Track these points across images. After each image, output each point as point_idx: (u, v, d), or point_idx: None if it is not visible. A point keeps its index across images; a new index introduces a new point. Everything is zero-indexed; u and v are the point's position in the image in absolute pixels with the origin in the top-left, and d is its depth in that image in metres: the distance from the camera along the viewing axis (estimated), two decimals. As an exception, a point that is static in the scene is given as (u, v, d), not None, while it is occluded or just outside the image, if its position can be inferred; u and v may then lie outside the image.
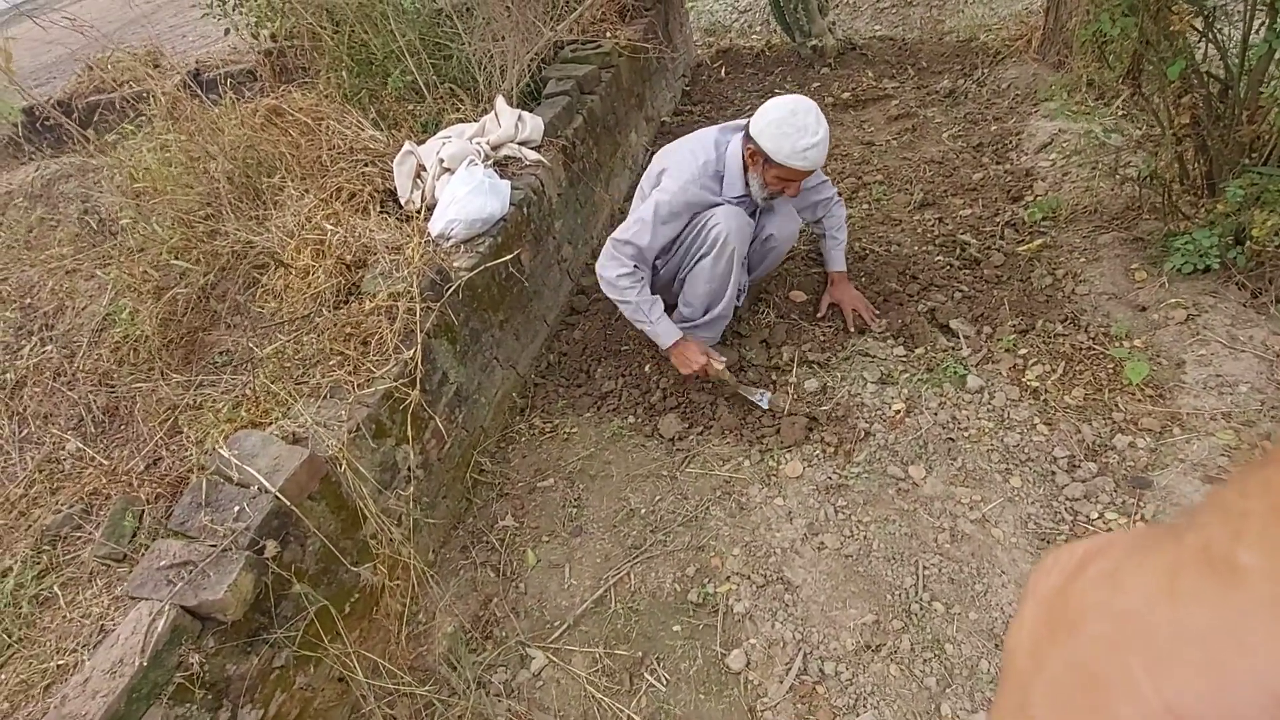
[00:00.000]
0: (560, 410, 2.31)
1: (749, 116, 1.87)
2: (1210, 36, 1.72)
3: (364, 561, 1.70)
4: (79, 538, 2.27)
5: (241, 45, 4.50)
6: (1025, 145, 2.68)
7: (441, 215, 2.22)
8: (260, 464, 1.57)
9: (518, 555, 1.93)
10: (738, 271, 2.03)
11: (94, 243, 3.14)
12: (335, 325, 1.94)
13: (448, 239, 2.21)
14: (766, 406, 2.02)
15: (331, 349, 1.89)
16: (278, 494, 1.51)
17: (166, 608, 1.36)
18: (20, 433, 2.77)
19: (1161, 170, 1.85)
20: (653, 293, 2.06)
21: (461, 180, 2.26)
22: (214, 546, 1.45)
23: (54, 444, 2.70)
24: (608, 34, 3.28)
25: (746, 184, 1.94)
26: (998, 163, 2.67)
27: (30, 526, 2.38)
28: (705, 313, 2.10)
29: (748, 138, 1.84)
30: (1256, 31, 1.56)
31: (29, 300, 3.10)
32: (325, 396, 1.79)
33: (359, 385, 1.80)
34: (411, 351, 1.87)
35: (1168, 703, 0.20)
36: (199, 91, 3.43)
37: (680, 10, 3.91)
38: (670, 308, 2.13)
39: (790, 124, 1.72)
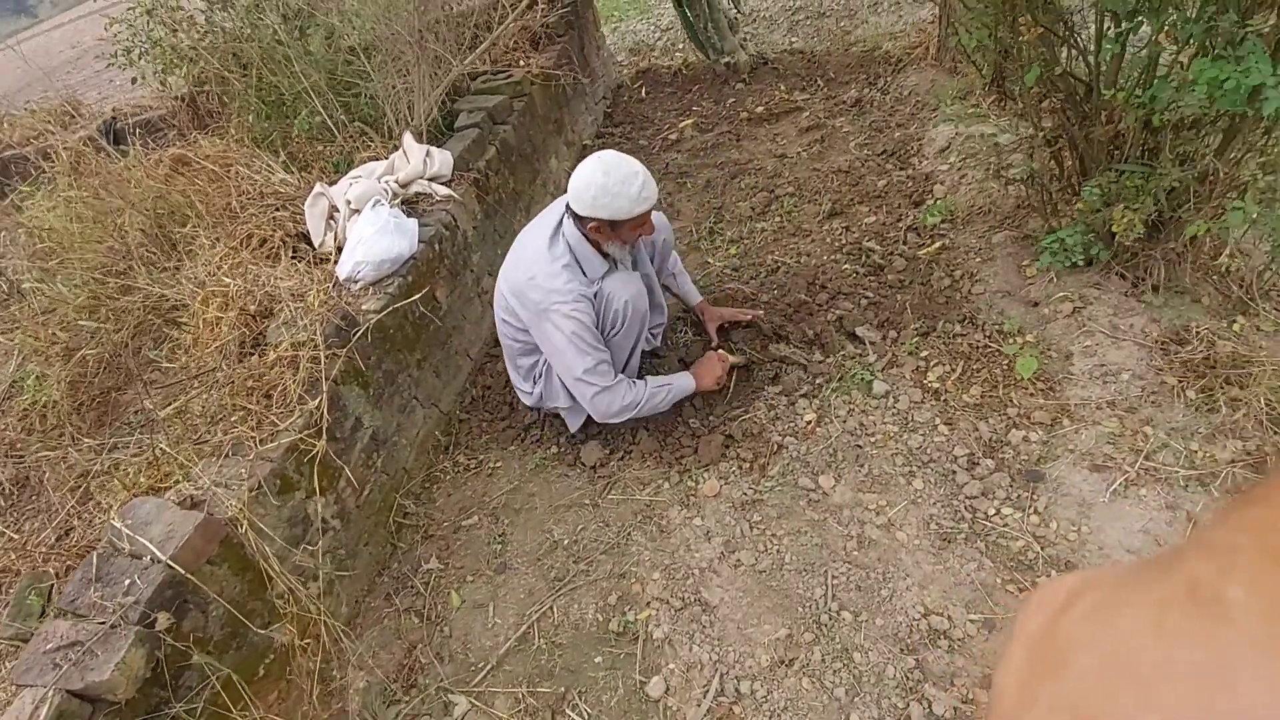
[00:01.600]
0: (484, 445, 2.29)
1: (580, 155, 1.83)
2: (1071, 40, 1.81)
3: (275, 622, 1.67)
4: (-14, 619, 2.17)
5: (164, 90, 4.42)
6: (926, 150, 2.77)
7: (349, 257, 2.20)
8: (154, 532, 1.53)
9: (442, 598, 1.91)
10: (643, 328, 2.03)
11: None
12: (238, 379, 1.90)
13: (356, 281, 2.18)
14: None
15: (234, 404, 1.85)
16: (169, 563, 1.47)
17: (50, 694, 1.31)
18: (-79, 511, 2.65)
19: (1039, 171, 1.93)
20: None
21: (367, 221, 2.24)
22: (103, 624, 1.40)
23: (-41, 522, 2.59)
24: (520, 63, 3.30)
25: (603, 254, 1.88)
26: (901, 169, 2.75)
27: (-66, 610, 2.27)
28: (625, 366, 2.08)
29: (581, 220, 1.78)
30: (1106, 34, 1.64)
31: (-71, 371, 2.98)
32: (226, 455, 1.76)
33: (262, 440, 1.76)
34: (316, 401, 1.84)
35: None
36: (105, 144, 3.36)
37: (595, 35, 3.96)
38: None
39: (613, 185, 1.68)
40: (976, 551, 1.59)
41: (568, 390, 2.03)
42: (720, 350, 2.13)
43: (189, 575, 1.49)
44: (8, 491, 2.53)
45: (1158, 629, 0.21)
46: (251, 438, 1.77)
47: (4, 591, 2.25)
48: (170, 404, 1.94)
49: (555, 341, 1.86)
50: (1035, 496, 1.64)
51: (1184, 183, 1.53)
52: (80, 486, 2.44)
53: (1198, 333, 1.79)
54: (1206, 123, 1.49)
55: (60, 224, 2.84)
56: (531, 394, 2.13)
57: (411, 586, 1.95)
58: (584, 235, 1.84)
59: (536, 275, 1.83)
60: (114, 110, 4.95)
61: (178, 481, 1.73)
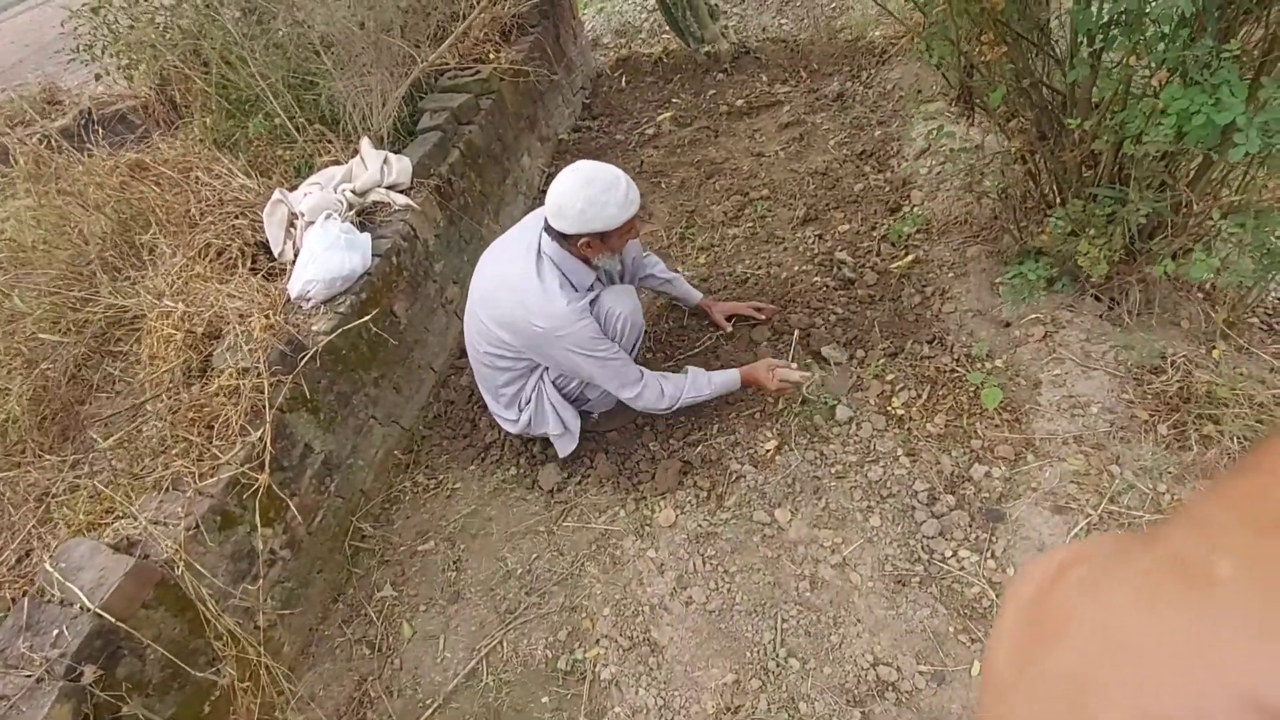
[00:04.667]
0: (445, 465, 2.25)
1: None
2: (1047, 49, 1.69)
3: (218, 662, 1.65)
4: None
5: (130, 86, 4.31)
6: (906, 151, 2.65)
7: (299, 275, 2.13)
8: (85, 579, 1.50)
9: (395, 628, 1.88)
10: (639, 341, 2.01)
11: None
12: (180, 408, 1.85)
13: (307, 299, 2.12)
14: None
15: (175, 435, 1.81)
16: (99, 611, 1.44)
17: (-27, 753, 1.29)
18: (-112, 530, 2.64)
19: (1011, 187, 1.83)
20: (571, 399, 2.01)
21: (317, 237, 2.17)
22: (29, 676, 1.38)
23: (-79, 540, 2.57)
24: (490, 56, 3.17)
25: (591, 267, 1.83)
26: (879, 171, 2.64)
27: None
28: None
29: (569, 239, 1.71)
30: (1078, 53, 1.53)
31: (-106, 384, 2.94)
32: (166, 490, 1.72)
33: (202, 475, 1.72)
34: (259, 432, 1.80)
35: (1145, 709, 0.20)
36: (65, 143, 3.27)
37: (571, 23, 3.82)
38: (574, 399, 2.03)
39: (599, 195, 1.63)
40: (930, 597, 1.54)
41: (558, 415, 1.99)
42: (778, 364, 1.94)
43: (119, 623, 1.46)
44: (-31, 509, 2.51)
45: (1147, 601, 0.22)
46: (191, 472, 1.72)
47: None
48: (112, 435, 1.90)
49: (571, 364, 1.83)
50: (994, 538, 1.59)
51: (1157, 213, 1.44)
52: (41, 505, 2.41)
53: (1174, 362, 1.71)
54: (1181, 152, 1.40)
55: (19, 234, 2.78)
56: (517, 422, 2.04)
57: (365, 615, 1.93)
58: (568, 251, 1.77)
59: (531, 305, 1.75)
60: (91, 100, 4.85)
61: (118, 517, 1.70)
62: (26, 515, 2.45)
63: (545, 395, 1.97)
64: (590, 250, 1.74)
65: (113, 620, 1.45)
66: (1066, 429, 1.69)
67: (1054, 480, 1.63)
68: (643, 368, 1.90)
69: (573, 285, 1.80)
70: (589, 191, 1.63)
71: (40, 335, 2.68)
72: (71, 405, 2.74)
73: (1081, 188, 1.63)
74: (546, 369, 1.96)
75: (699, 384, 1.92)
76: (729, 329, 2.24)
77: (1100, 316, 1.86)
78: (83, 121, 4.76)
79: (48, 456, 2.52)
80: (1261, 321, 1.95)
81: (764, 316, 2.22)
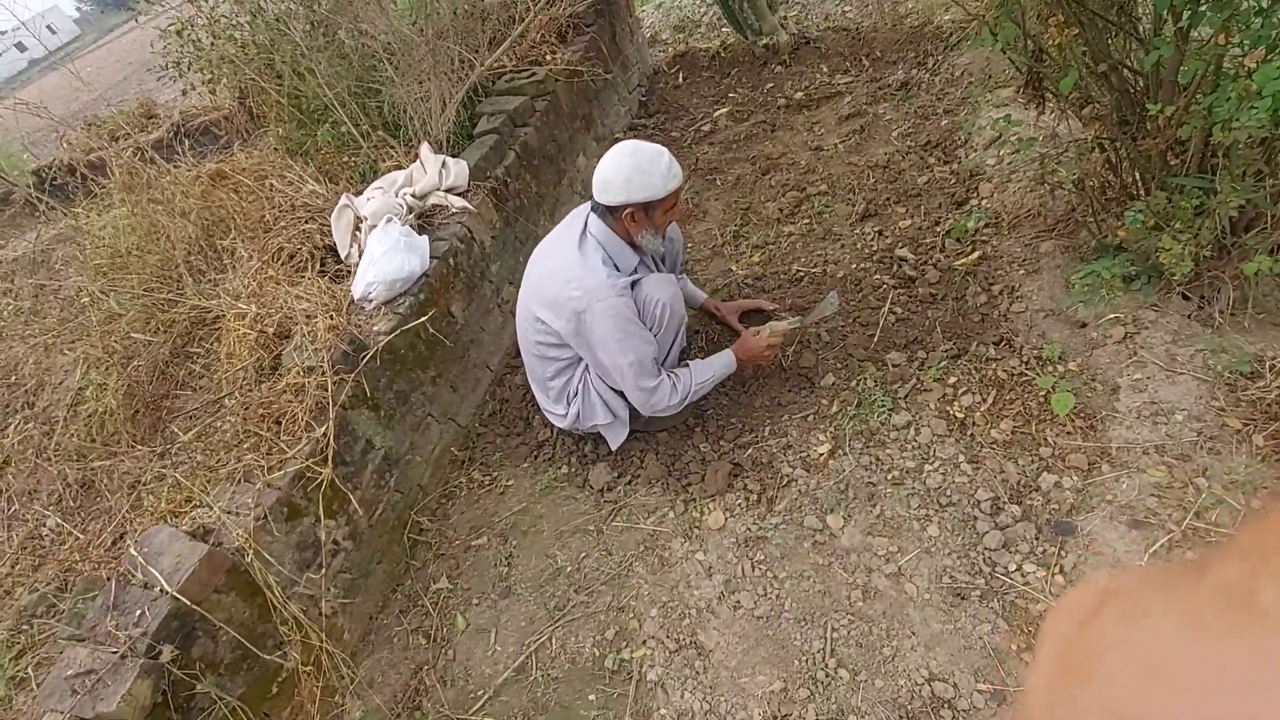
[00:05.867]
0: (499, 462, 2.30)
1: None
2: (1129, 28, 1.57)
3: (284, 646, 1.73)
4: (54, 616, 2.36)
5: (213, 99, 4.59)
6: (975, 141, 2.52)
7: (361, 278, 2.22)
8: (164, 563, 1.60)
9: (449, 619, 1.93)
10: (680, 329, 2.00)
11: (69, 317, 3.26)
12: (252, 405, 1.96)
13: (370, 301, 2.20)
14: (836, 307, 1.97)
15: (247, 430, 1.92)
16: (176, 594, 1.54)
17: (67, 720, 1.40)
18: (8, 510, 2.90)
19: (1088, 177, 1.71)
20: (617, 391, 2.01)
21: (377, 240, 2.25)
22: (115, 653, 1.49)
23: (36, 521, 2.82)
24: (546, 57, 3.21)
25: (634, 249, 1.87)
26: (945, 163, 2.52)
27: (13, 605, 2.48)
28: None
29: (616, 211, 1.76)
30: (1161, 33, 1.41)
31: (13, 377, 3.23)
32: (239, 482, 1.82)
33: (270, 468, 1.81)
34: (323, 428, 1.88)
35: None
36: (156, 155, 3.51)
37: (629, 19, 3.81)
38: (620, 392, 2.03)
39: (644, 164, 1.70)
40: (991, 612, 1.46)
41: (606, 405, 1.99)
42: (759, 330, 2.02)
43: (195, 606, 1.56)
44: (75, 494, 2.73)
45: (1196, 633, 0.21)
46: (261, 465, 1.82)
47: (69, 590, 2.45)
48: (192, 429, 2.03)
49: (599, 338, 1.82)
50: (1063, 553, 1.49)
51: (1252, 205, 1.31)
52: (133, 493, 2.61)
53: (1273, 366, 1.56)
54: (1276, 140, 1.26)
55: (115, 241, 3.00)
56: (565, 416, 2.07)
57: (421, 606, 1.99)
58: (613, 230, 1.83)
59: (572, 278, 1.81)
60: (181, 114, 5.19)
61: (196, 506, 1.81)
62: (121, 501, 2.64)
63: (592, 386, 1.99)
64: (635, 225, 1.78)
65: (188, 603, 1.54)
66: (1147, 438, 1.57)
67: (1132, 492, 1.51)
68: (663, 374, 1.90)
69: (615, 266, 1.84)
70: (634, 160, 1.70)
71: (133, 334, 2.88)
72: (159, 400, 2.95)
73: (1166, 178, 1.50)
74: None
75: (700, 373, 1.92)
76: (742, 329, 2.19)
77: (1189, 316, 1.72)
78: (173, 134, 5.10)
79: (139, 447, 2.71)
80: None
81: (775, 306, 2.22)
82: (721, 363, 1.97)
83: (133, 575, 1.60)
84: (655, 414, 1.93)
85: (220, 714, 1.59)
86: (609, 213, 1.78)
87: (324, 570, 1.81)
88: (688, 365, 1.96)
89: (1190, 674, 0.21)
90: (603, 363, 1.88)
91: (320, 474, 1.84)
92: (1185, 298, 1.73)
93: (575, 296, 1.78)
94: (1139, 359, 1.69)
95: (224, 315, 2.38)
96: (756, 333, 1.98)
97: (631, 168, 1.70)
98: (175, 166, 3.20)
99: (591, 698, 1.65)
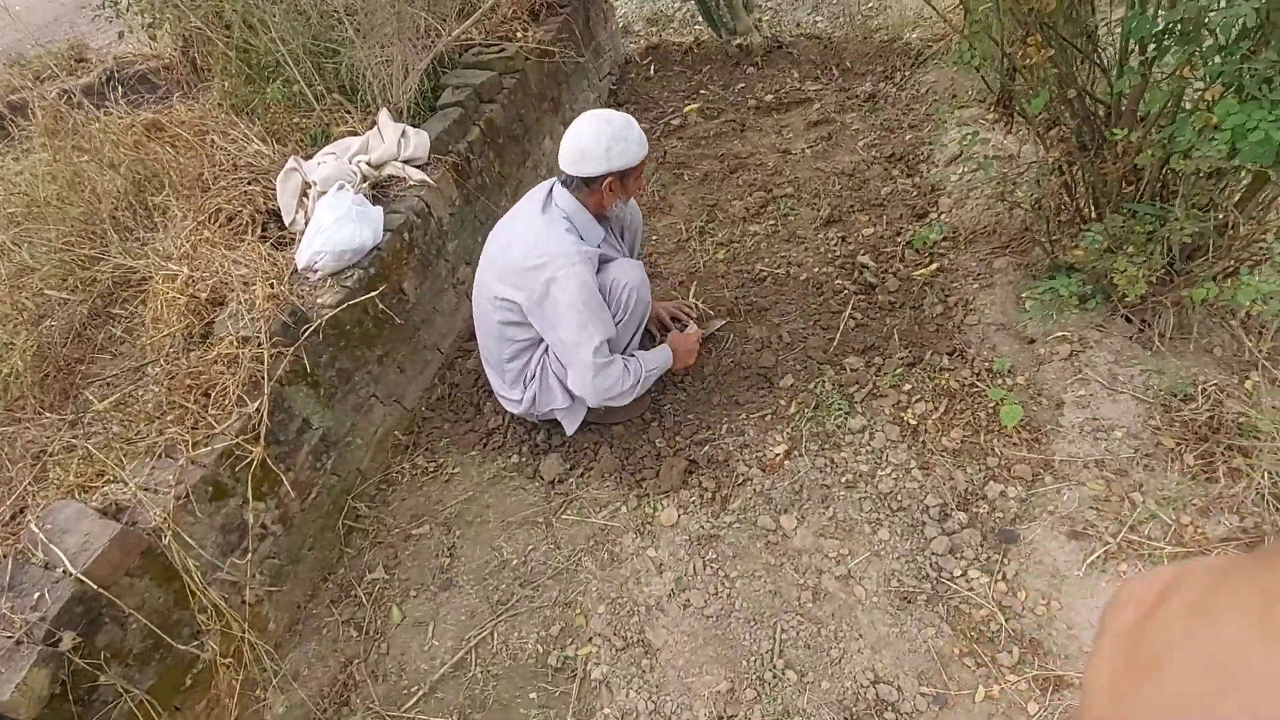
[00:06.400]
0: (445, 448, 2.21)
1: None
2: (1094, 56, 1.62)
3: (202, 635, 1.61)
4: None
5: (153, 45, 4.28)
6: (936, 157, 2.58)
7: (307, 245, 2.09)
8: (70, 542, 1.47)
9: (384, 611, 1.84)
10: (645, 317, 1.98)
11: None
12: (178, 374, 1.82)
13: (314, 271, 2.08)
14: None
15: (170, 402, 1.77)
16: (81, 576, 1.40)
17: (-53, 712, 1.26)
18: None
19: (1045, 199, 1.76)
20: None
21: (328, 207, 2.12)
22: (10, 637, 1.35)
23: (-79, 490, 2.55)
24: (517, 35, 3.11)
25: (600, 222, 1.86)
26: (907, 175, 2.57)
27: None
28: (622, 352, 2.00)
29: (594, 181, 1.74)
30: (1128, 62, 1.46)
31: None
32: (159, 457, 1.68)
33: (196, 443, 1.68)
34: (256, 404, 1.76)
35: None
36: (86, 100, 3.23)
37: (604, 6, 3.75)
38: None
39: (620, 130, 1.70)
40: (936, 616, 1.49)
41: (564, 389, 1.93)
42: (688, 329, 2.07)
43: (102, 590, 1.43)
44: (-32, 463, 2.49)
45: (1262, 629, 0.20)
46: (185, 440, 1.69)
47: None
48: (110, 397, 1.87)
49: (559, 310, 1.76)
50: (1006, 560, 1.53)
51: (1200, 234, 1.37)
52: (37, 464, 2.39)
53: (1204, 390, 1.64)
54: (1229, 171, 1.33)
55: (33, 189, 2.75)
56: (521, 401, 2.00)
57: (355, 596, 1.89)
58: (582, 203, 1.81)
59: (537, 244, 1.78)
60: (116, 59, 4.82)
61: (109, 481, 1.67)
62: (23, 472, 2.42)
63: (550, 369, 1.93)
64: (611, 195, 1.77)
65: (95, 587, 1.41)
66: (1088, 452, 1.63)
67: (1072, 504, 1.57)
68: (618, 356, 1.85)
69: (580, 237, 1.82)
70: (612, 129, 1.70)
71: (47, 291, 2.65)
72: (73, 364, 2.71)
73: (1121, 203, 1.56)
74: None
75: (649, 361, 1.90)
76: (672, 326, 2.21)
77: (1130, 338, 1.79)
78: (106, 80, 4.73)
79: (47, 415, 2.49)
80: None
81: (695, 316, 2.24)
82: (661, 356, 1.95)
83: (32, 554, 1.46)
84: (605, 400, 1.86)
85: (125, 708, 1.46)
86: (584, 184, 1.76)
87: (250, 555, 1.69)
88: (634, 355, 1.92)
89: (1256, 674, 0.19)
90: (560, 337, 1.81)
91: (250, 452, 1.72)
92: (1128, 320, 1.80)
93: (540, 264, 1.74)
94: (1083, 376, 1.75)
95: (152, 276, 2.20)
96: (684, 330, 1.99)
97: (611, 136, 1.69)
98: (106, 114, 2.96)
99: (533, 696, 1.60)
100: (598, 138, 1.69)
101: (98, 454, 1.65)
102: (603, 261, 1.88)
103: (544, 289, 1.74)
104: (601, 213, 1.84)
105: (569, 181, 1.78)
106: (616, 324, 1.88)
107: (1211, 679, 0.21)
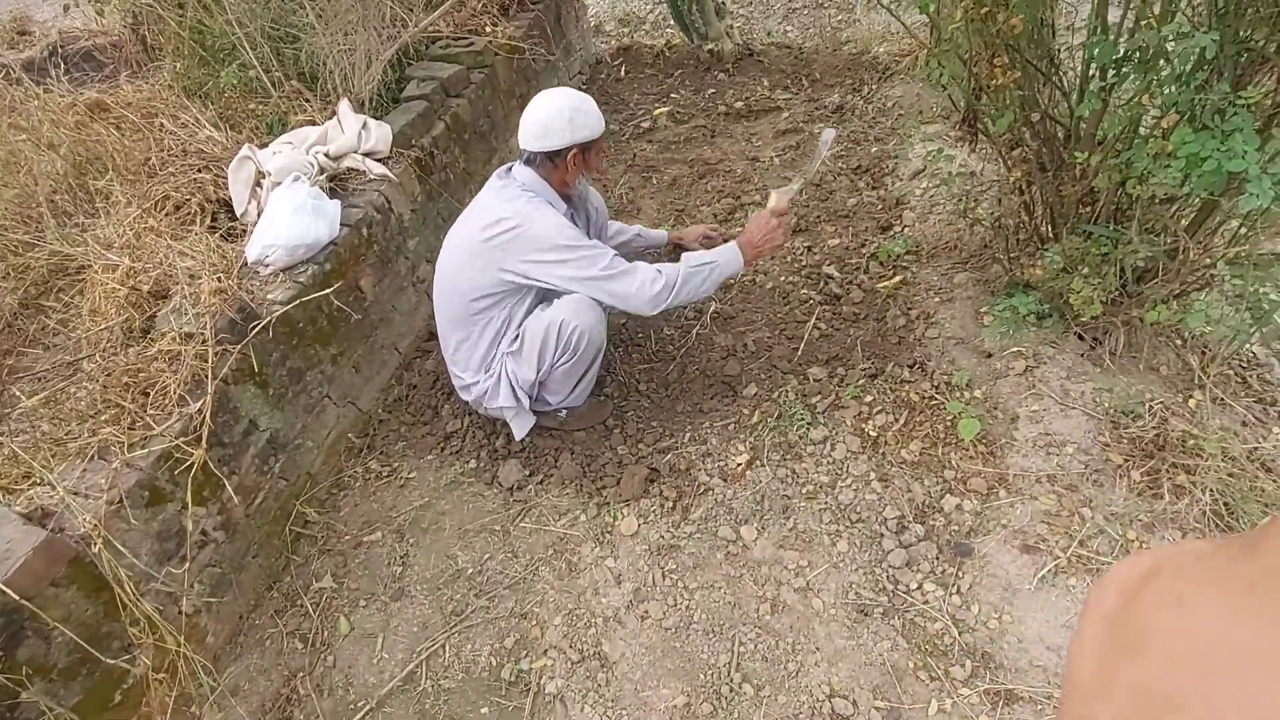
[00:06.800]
0: (400, 452, 2.14)
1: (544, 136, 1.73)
2: (1056, 80, 1.66)
3: (134, 649, 1.52)
4: None
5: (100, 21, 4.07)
6: (901, 170, 2.62)
7: (259, 238, 2.00)
8: (-12, 549, 1.37)
9: (331, 622, 1.77)
10: (596, 360, 1.89)
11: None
12: (114, 371, 1.72)
13: (266, 265, 1.99)
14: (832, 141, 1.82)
15: (105, 400, 1.68)
16: (1, 587, 1.31)
17: None
18: None
19: (1005, 217, 1.80)
20: (532, 398, 1.94)
21: (281, 199, 2.04)
22: (-84, 654, 1.25)
23: None
24: (486, 29, 3.05)
25: (565, 199, 1.87)
26: (873, 188, 2.60)
27: None
28: (572, 390, 1.94)
29: (558, 155, 1.74)
30: (1089, 87, 1.49)
31: None
32: (91, 459, 1.59)
33: (131, 445, 1.59)
34: (199, 404, 1.67)
35: None
36: (25, 76, 3.06)
37: (575, 4, 3.71)
38: (535, 399, 1.96)
39: (580, 103, 1.73)
40: (892, 629, 1.50)
41: (512, 389, 1.88)
42: (785, 191, 1.82)
43: (24, 601, 1.34)
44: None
45: (1246, 614, 0.21)
46: (120, 441, 1.59)
47: None
48: (39, 394, 1.76)
49: (546, 235, 1.70)
50: (960, 573, 1.55)
51: (1152, 258, 1.41)
52: (-43, 461, 2.24)
53: (1151, 408, 1.69)
54: (1181, 197, 1.37)
55: (-42, 165, 2.58)
56: (473, 389, 1.93)
57: (301, 606, 1.82)
58: (546, 180, 1.79)
59: (497, 210, 1.75)
60: (61, 34, 4.57)
61: (35, 484, 1.56)
62: (-59, 471, 2.27)
63: (505, 366, 1.88)
64: (575, 169, 1.78)
65: (16, 598, 1.32)
66: (1040, 467, 1.66)
67: (1024, 518, 1.59)
68: (639, 264, 1.73)
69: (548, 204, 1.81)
70: (570, 101, 1.72)
71: (-25, 278, 2.49)
72: (1, 357, 2.56)
73: (1078, 224, 1.59)
74: (511, 344, 1.86)
75: (693, 260, 1.74)
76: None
77: (1082, 355, 1.84)
78: (48, 55, 4.48)
79: (-28, 408, 2.34)
80: (1236, 374, 1.95)
81: (721, 233, 2.28)
82: (726, 254, 1.75)
83: (-55, 562, 1.35)
84: (639, 309, 1.71)
85: (44, 729, 1.37)
86: (548, 159, 1.76)
87: (188, 564, 1.61)
88: (684, 264, 1.76)
89: (1242, 656, 0.20)
90: (558, 273, 1.70)
91: (191, 455, 1.64)
92: (1080, 337, 1.85)
93: (506, 218, 1.72)
94: (1037, 391, 1.78)
95: (90, 265, 2.09)
96: (760, 216, 1.77)
97: (571, 108, 1.70)
98: (47, 91, 2.80)
99: (485, 710, 1.56)
100: (560, 110, 1.70)
101: (24, 454, 1.54)
102: (548, 294, 1.80)
103: (519, 250, 1.72)
104: (566, 190, 1.84)
105: (532, 159, 1.78)
106: (559, 367, 1.80)
107: (1196, 660, 0.21)
